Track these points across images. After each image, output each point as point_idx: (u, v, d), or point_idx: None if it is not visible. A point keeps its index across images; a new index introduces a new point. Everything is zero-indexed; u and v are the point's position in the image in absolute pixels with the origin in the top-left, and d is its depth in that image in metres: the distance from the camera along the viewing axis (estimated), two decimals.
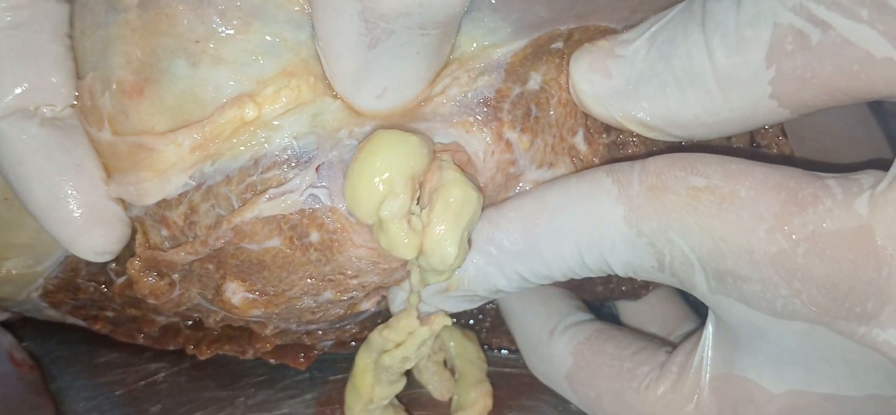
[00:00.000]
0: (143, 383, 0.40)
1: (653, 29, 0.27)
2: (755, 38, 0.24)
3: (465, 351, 0.41)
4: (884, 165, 0.25)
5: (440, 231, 0.28)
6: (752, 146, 0.31)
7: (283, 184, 0.28)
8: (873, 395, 0.26)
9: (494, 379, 0.42)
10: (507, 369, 0.43)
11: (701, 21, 0.25)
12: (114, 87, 0.28)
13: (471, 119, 0.29)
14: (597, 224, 0.27)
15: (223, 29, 0.27)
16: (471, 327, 0.42)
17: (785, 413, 0.28)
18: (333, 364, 0.40)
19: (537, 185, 0.30)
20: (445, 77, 0.29)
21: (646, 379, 0.31)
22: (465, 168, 0.28)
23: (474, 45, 0.29)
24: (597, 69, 0.28)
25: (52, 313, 0.38)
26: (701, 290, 0.27)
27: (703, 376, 0.29)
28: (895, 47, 0.23)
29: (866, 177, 0.25)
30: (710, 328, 0.29)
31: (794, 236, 0.25)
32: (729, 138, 0.31)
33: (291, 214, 0.28)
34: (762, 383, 0.28)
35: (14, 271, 0.35)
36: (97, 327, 0.38)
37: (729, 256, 0.25)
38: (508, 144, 0.29)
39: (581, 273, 0.29)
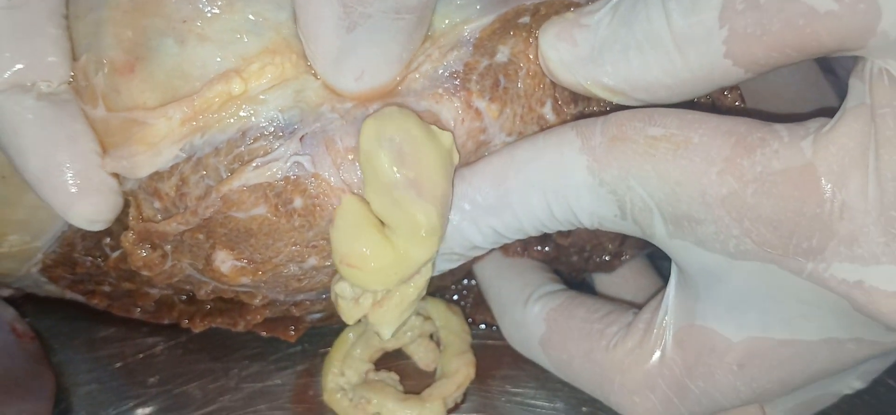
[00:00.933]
0: (141, 355, 0.42)
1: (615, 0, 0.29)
2: (708, 0, 0.26)
3: (450, 323, 0.43)
4: (833, 115, 0.26)
5: (383, 315, 0.32)
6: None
7: (269, 153, 0.30)
8: (828, 338, 0.28)
9: (478, 351, 0.43)
10: (490, 342, 0.44)
11: None
12: (106, 66, 0.30)
13: (440, 90, 0.30)
14: (562, 175, 0.29)
15: (208, 9, 0.29)
16: (455, 303, 0.43)
17: (744, 360, 0.29)
18: (323, 338, 0.42)
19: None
20: (419, 55, 0.30)
21: (614, 338, 0.32)
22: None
23: (447, 22, 0.31)
24: (563, 38, 0.29)
25: (51, 289, 0.40)
26: (660, 235, 0.29)
27: (667, 330, 0.31)
28: (836, 0, 0.24)
29: (813, 122, 0.27)
30: (672, 282, 0.31)
31: (743, 177, 0.27)
32: (692, 104, 0.33)
33: (276, 181, 0.30)
34: (722, 331, 0.29)
35: (13, 247, 0.37)
36: (95, 301, 0.40)
37: (684, 200, 0.27)
38: (477, 112, 0.31)
39: (551, 226, 0.30)
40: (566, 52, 0.29)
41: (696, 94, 0.28)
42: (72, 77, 0.31)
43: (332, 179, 0.30)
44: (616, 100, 0.29)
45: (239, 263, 0.32)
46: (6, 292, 0.42)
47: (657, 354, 0.31)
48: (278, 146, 0.30)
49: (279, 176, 0.30)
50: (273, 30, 0.30)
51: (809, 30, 0.25)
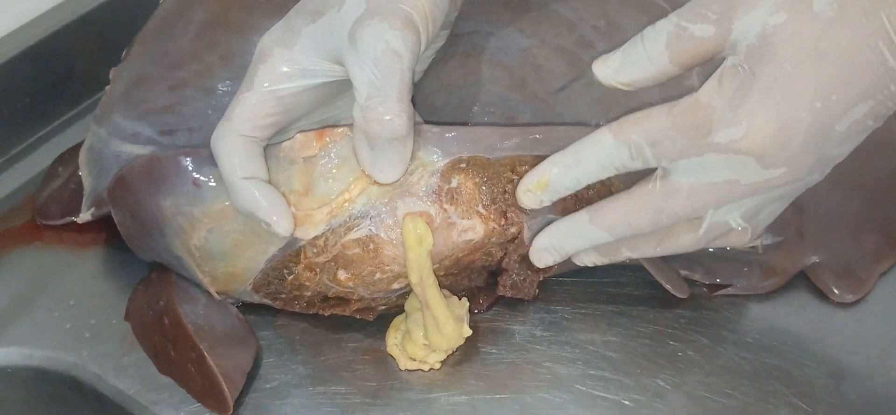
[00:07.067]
0: (297, 330, 0.68)
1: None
2: (658, 37, 0.52)
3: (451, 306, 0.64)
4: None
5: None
6: None
7: (359, 225, 0.59)
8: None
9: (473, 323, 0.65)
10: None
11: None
12: (294, 194, 0.58)
13: (432, 198, 0.58)
14: (600, 143, 0.55)
15: (334, 169, 0.59)
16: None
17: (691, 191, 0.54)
18: (386, 318, 0.67)
19: (463, 229, 0.62)
20: (419, 170, 0.58)
21: None
22: (430, 223, 0.58)
23: (429, 158, 0.58)
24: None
25: (253, 297, 0.65)
26: (649, 160, 0.53)
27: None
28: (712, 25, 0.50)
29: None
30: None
31: (674, 128, 0.51)
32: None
33: (363, 236, 0.58)
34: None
35: (242, 276, 0.62)
36: (276, 304, 0.65)
37: (654, 142, 0.52)
38: (446, 210, 0.58)
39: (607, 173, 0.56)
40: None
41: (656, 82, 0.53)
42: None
43: (384, 237, 0.59)
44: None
45: (348, 275, 0.61)
46: (230, 301, 0.68)
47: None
48: (362, 222, 0.58)
49: (364, 235, 0.58)
50: (357, 168, 0.58)
51: (702, 48, 0.50)
